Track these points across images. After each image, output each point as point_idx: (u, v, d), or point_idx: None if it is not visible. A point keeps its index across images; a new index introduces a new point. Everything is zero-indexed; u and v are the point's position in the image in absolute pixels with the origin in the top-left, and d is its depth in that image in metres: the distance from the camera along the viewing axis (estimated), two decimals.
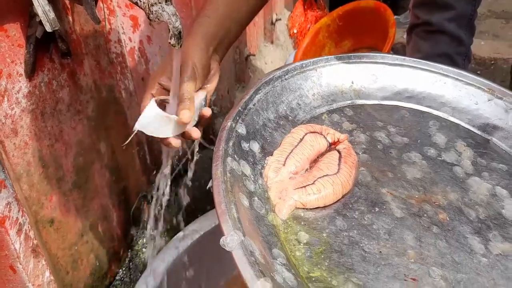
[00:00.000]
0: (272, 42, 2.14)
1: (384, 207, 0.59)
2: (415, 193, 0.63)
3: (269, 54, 2.08)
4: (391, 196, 0.61)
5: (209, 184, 1.36)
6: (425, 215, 0.59)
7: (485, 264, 0.54)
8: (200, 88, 0.72)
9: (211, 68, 0.74)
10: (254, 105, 0.68)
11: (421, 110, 0.78)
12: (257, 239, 0.49)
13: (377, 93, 0.80)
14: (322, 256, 0.52)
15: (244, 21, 0.81)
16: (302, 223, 0.56)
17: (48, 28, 0.69)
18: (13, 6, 0.67)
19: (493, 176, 0.67)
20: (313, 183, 0.59)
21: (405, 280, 0.51)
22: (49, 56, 0.76)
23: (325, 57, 0.80)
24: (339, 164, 0.63)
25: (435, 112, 0.78)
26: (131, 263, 1.13)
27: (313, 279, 0.49)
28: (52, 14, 0.69)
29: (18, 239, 0.72)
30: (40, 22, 0.69)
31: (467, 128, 0.75)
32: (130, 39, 0.99)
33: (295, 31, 2.28)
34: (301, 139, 0.66)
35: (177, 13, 0.67)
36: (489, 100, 0.76)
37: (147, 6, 0.67)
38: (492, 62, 2.02)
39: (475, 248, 0.56)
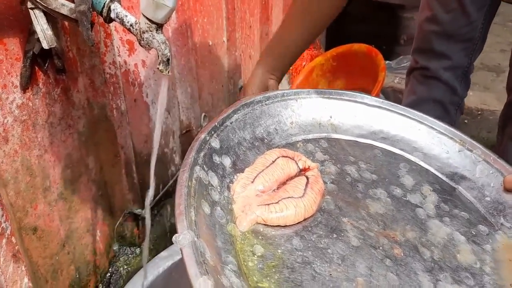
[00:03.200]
0: None
1: (342, 234, 0.62)
2: (374, 227, 0.65)
3: None
4: (350, 226, 0.64)
5: None
6: (380, 247, 0.62)
7: None
8: None
9: (268, 85, 1.00)
10: (231, 123, 0.72)
11: (393, 152, 0.81)
12: (211, 244, 0.52)
13: (354, 130, 0.83)
14: (274, 270, 0.54)
15: (298, 54, 1.03)
16: (260, 237, 0.59)
17: (45, 46, 0.74)
18: (14, 23, 0.73)
19: (454, 222, 0.69)
20: (277, 203, 0.62)
21: None
22: (45, 71, 0.81)
23: (307, 90, 0.84)
24: (305, 189, 0.66)
25: (407, 156, 0.80)
26: (111, 279, 1.15)
27: None
28: (49, 33, 0.74)
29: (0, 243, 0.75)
30: (38, 39, 0.74)
31: (435, 175, 0.78)
32: (125, 62, 1.04)
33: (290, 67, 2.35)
34: (273, 161, 0.69)
35: (167, 41, 0.73)
36: (459, 151, 0.79)
37: (139, 33, 0.73)
38: (479, 112, 2.08)
39: (424, 285, 0.58)
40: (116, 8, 0.74)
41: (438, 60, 1.26)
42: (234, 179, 0.65)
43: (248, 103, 0.76)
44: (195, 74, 1.39)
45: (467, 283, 0.60)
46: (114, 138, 1.05)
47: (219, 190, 0.62)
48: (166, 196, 1.33)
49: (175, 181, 1.37)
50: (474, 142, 0.78)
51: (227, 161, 0.67)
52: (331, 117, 0.83)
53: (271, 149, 0.74)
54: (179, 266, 1.14)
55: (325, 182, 0.71)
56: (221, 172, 0.65)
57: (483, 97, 2.24)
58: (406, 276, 0.59)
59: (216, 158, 0.65)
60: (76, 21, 0.73)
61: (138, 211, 1.17)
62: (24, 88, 0.77)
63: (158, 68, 0.75)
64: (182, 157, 1.19)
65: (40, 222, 0.88)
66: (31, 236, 0.86)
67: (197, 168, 0.60)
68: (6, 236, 0.77)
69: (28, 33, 0.75)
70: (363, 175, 0.75)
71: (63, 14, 0.73)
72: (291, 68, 2.36)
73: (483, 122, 2.04)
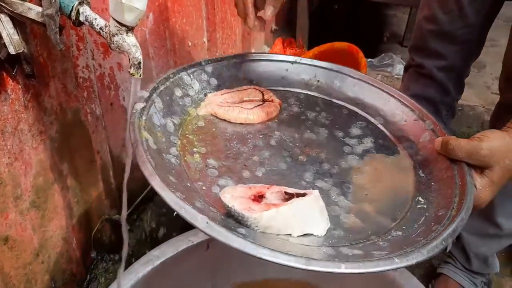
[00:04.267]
0: None
1: (267, 137, 0.79)
2: (298, 143, 0.79)
3: None
4: (278, 136, 0.80)
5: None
6: (291, 151, 0.76)
7: (301, 185, 0.69)
8: None
9: None
10: (228, 63, 0.89)
11: (358, 113, 0.90)
12: (167, 105, 0.76)
13: (333, 93, 0.94)
14: (202, 134, 0.77)
15: None
16: (207, 120, 0.81)
17: (12, 51, 0.71)
18: None
19: (372, 161, 0.77)
20: (228, 107, 0.82)
21: (238, 163, 0.72)
22: (14, 76, 0.78)
23: (304, 58, 0.97)
24: (255, 107, 0.83)
25: (369, 118, 0.89)
26: (89, 287, 1.12)
27: (185, 139, 0.74)
28: (16, 37, 0.71)
29: None
30: (5, 44, 0.72)
31: (385, 134, 0.86)
32: (100, 65, 1.02)
33: None
34: (245, 89, 0.87)
35: (138, 44, 0.71)
36: (415, 120, 0.84)
37: (108, 36, 0.70)
38: (460, 108, 2.09)
39: (305, 177, 0.71)
40: (85, 11, 0.72)
41: (433, 59, 1.25)
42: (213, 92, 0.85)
43: (250, 54, 0.94)
44: None
45: (344, 190, 0.70)
46: (89, 143, 1.03)
47: (196, 92, 0.83)
48: (146, 201, 1.31)
49: None
50: (429, 115, 0.83)
51: (213, 81, 0.86)
52: (318, 81, 0.95)
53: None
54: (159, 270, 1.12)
55: (281, 114, 0.86)
56: (204, 84, 0.85)
57: (463, 93, 2.25)
58: (295, 169, 0.73)
59: (205, 76, 0.85)
60: (44, 25, 0.71)
61: (116, 217, 1.15)
62: None
63: (129, 72, 0.73)
64: None
65: (12, 232, 0.85)
66: (2, 247, 0.84)
67: (184, 73, 0.82)
68: None
69: None
70: (318, 119, 0.86)
71: (30, 18, 0.70)
72: None
73: (463, 118, 2.06)
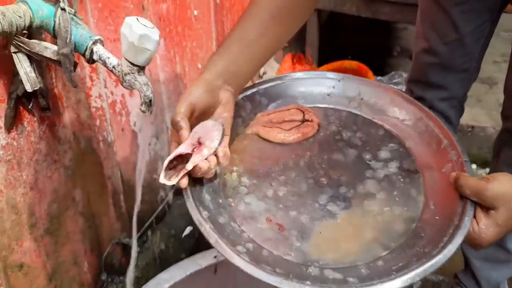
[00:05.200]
0: None
1: (298, 158, 0.84)
2: (324, 165, 0.83)
3: None
4: (308, 157, 0.85)
5: (185, 233, 1.38)
6: (315, 173, 0.81)
7: (314, 207, 0.75)
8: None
9: (220, 98, 0.78)
10: (278, 83, 0.95)
11: (393, 133, 0.90)
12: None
13: (374, 113, 0.94)
14: (244, 153, 0.84)
15: (257, 61, 0.86)
16: (252, 139, 0.87)
17: (28, 88, 0.74)
18: None
19: (389, 188, 0.79)
20: (270, 127, 0.88)
21: (266, 182, 0.79)
22: (30, 110, 0.81)
23: (349, 75, 1.00)
24: (293, 128, 0.88)
25: (402, 140, 0.89)
26: None
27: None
28: (33, 75, 0.74)
29: None
30: (21, 81, 0.74)
31: (412, 159, 0.85)
32: (112, 93, 1.05)
33: None
34: (289, 109, 0.92)
35: (149, 83, 0.73)
36: (443, 148, 0.83)
37: (121, 75, 0.73)
38: (469, 129, 2.07)
39: (320, 200, 0.77)
40: (99, 50, 0.74)
41: (434, 91, 1.24)
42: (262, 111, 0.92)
43: (298, 72, 1.00)
44: None
45: (350, 214, 0.74)
46: (101, 169, 1.06)
47: (247, 112, 0.91)
48: (156, 222, 1.33)
49: (166, 207, 1.38)
50: (457, 145, 0.82)
51: (264, 101, 0.93)
52: (362, 99, 0.96)
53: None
54: None
55: (318, 134, 0.90)
56: (256, 104, 0.92)
57: (474, 113, 2.24)
58: (313, 191, 0.78)
59: (258, 97, 0.92)
60: (60, 62, 0.74)
61: (126, 240, 1.17)
62: (8, 129, 0.77)
63: (140, 109, 0.75)
64: None
65: (26, 259, 0.88)
66: (17, 273, 0.86)
67: (240, 98, 0.89)
68: None
69: (12, 75, 0.75)
70: (352, 140, 0.89)
71: (46, 57, 0.73)
72: None
73: (473, 139, 2.05)
